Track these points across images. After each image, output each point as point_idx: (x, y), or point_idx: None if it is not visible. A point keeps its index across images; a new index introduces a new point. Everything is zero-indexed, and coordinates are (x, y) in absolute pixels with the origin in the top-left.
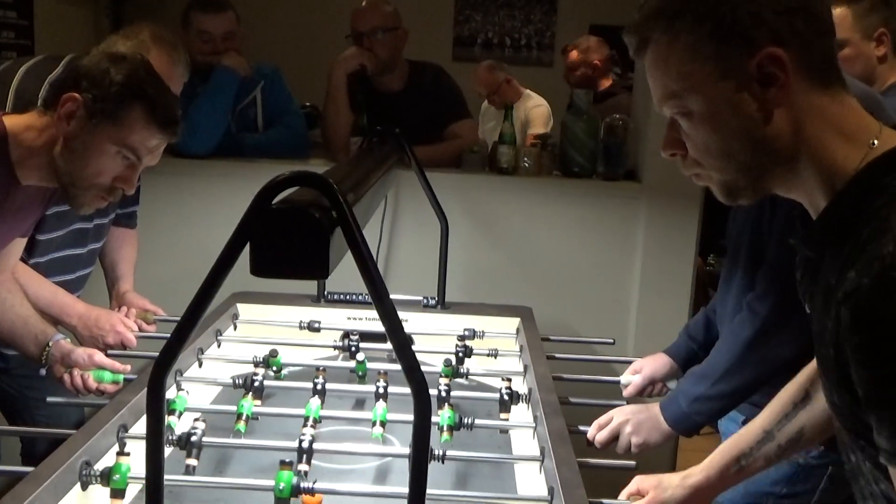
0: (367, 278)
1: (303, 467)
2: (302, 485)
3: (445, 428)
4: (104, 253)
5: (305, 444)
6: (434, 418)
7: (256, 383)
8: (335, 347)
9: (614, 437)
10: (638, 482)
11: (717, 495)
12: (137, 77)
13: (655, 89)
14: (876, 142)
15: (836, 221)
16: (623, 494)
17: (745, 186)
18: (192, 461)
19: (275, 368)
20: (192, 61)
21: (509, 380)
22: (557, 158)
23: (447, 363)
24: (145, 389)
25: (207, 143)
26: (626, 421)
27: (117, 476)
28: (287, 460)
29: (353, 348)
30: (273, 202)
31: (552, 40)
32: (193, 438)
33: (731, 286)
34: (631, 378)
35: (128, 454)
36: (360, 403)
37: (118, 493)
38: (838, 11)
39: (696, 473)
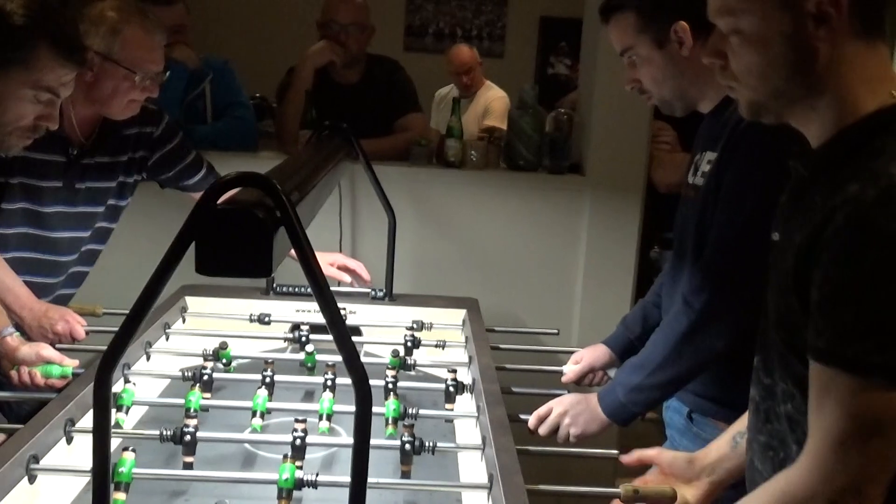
0: (309, 274)
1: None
2: (306, 478)
3: (390, 420)
4: None
5: (298, 443)
6: (380, 409)
7: (205, 376)
8: (285, 339)
9: (555, 429)
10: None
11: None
12: (37, 16)
13: (714, 1)
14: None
15: (841, 149)
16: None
17: (771, 110)
18: (190, 458)
19: (224, 361)
20: None
21: (454, 371)
22: (504, 152)
23: (395, 354)
24: (93, 383)
25: None
26: (565, 412)
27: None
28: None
29: (304, 340)
30: (218, 202)
31: (503, 31)
32: (187, 438)
33: (677, 283)
34: (572, 367)
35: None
36: (308, 395)
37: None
38: None
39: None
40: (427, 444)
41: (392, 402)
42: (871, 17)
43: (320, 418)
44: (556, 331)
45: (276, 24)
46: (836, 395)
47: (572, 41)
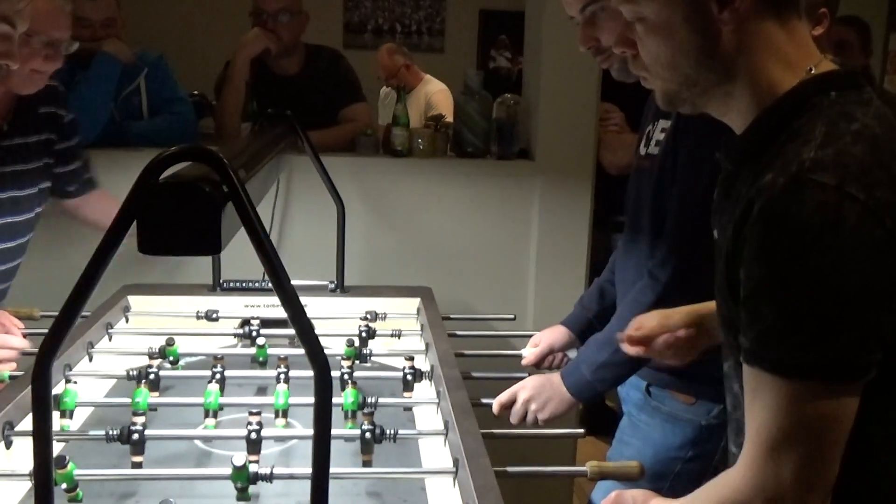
0: (261, 253)
1: (252, 458)
2: (261, 471)
3: (349, 413)
4: None
5: (254, 436)
6: (338, 400)
7: (152, 375)
8: (234, 335)
9: (523, 416)
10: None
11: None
12: None
13: None
14: (814, 69)
15: (760, 134)
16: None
17: (686, 99)
18: (138, 458)
19: (171, 359)
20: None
21: (412, 358)
22: (451, 139)
23: (349, 343)
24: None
25: (90, 132)
26: (530, 399)
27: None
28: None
29: (254, 334)
30: (160, 179)
31: (443, 26)
32: (135, 437)
33: (631, 255)
34: (531, 350)
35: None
36: (262, 390)
37: None
38: None
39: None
40: (388, 431)
41: (350, 394)
42: None
43: (276, 414)
44: (512, 316)
45: (212, 19)
46: (763, 398)
47: (513, 34)
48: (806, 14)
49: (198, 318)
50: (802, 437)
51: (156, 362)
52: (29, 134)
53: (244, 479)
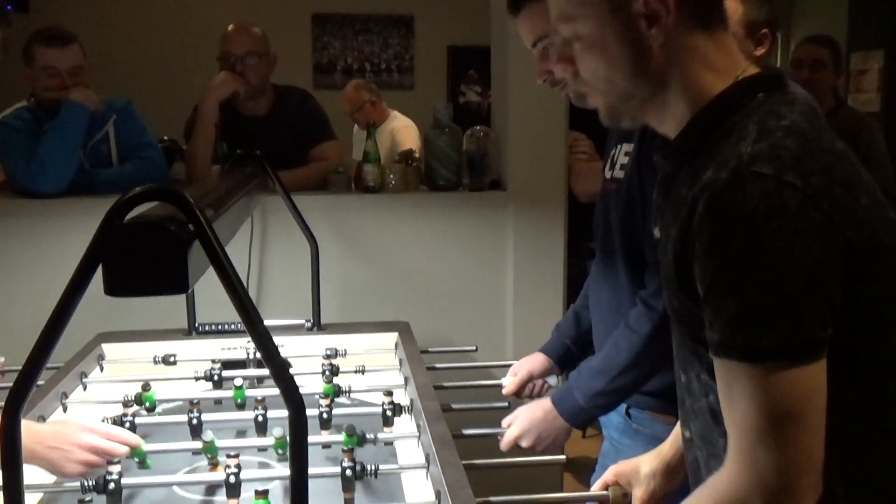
0: (230, 292)
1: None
2: None
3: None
4: None
5: (233, 479)
6: (322, 437)
7: (127, 423)
8: (205, 379)
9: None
10: (614, 470)
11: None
12: None
13: (552, 8)
14: (741, 75)
15: (695, 135)
16: (597, 486)
17: (625, 113)
18: None
19: (147, 405)
20: (38, 98)
21: (390, 393)
22: (423, 173)
23: (327, 379)
24: None
25: (59, 181)
26: (522, 436)
27: None
28: (261, 489)
29: (216, 378)
30: (125, 219)
31: (412, 63)
32: (111, 486)
33: (604, 278)
34: (511, 379)
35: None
36: (241, 433)
37: None
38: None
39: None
40: (369, 467)
41: (344, 434)
42: (704, 9)
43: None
44: (474, 348)
45: (180, 65)
46: (739, 388)
47: (481, 68)
48: (748, 35)
49: (170, 364)
50: (786, 418)
51: (131, 410)
52: None
53: None
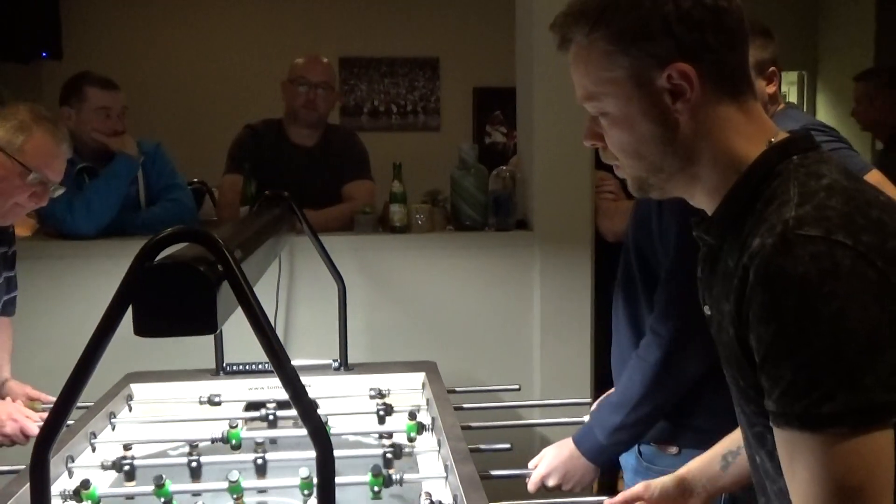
0: (258, 332)
1: None
2: None
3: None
4: None
5: None
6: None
7: (126, 466)
8: (239, 420)
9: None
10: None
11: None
12: None
13: (577, 87)
14: (773, 140)
15: (736, 206)
16: None
17: (654, 185)
18: None
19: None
20: (85, 138)
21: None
22: (449, 213)
23: (412, 417)
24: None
25: (98, 226)
26: (559, 474)
27: None
28: None
29: (271, 418)
30: (155, 261)
31: (437, 105)
32: None
33: (623, 311)
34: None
35: None
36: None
37: None
38: None
39: (683, 468)
40: None
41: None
42: (730, 80)
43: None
44: (517, 387)
45: (210, 107)
46: (801, 459)
47: (506, 109)
48: (759, 75)
49: (200, 403)
50: (849, 490)
51: (129, 452)
52: None
53: None
